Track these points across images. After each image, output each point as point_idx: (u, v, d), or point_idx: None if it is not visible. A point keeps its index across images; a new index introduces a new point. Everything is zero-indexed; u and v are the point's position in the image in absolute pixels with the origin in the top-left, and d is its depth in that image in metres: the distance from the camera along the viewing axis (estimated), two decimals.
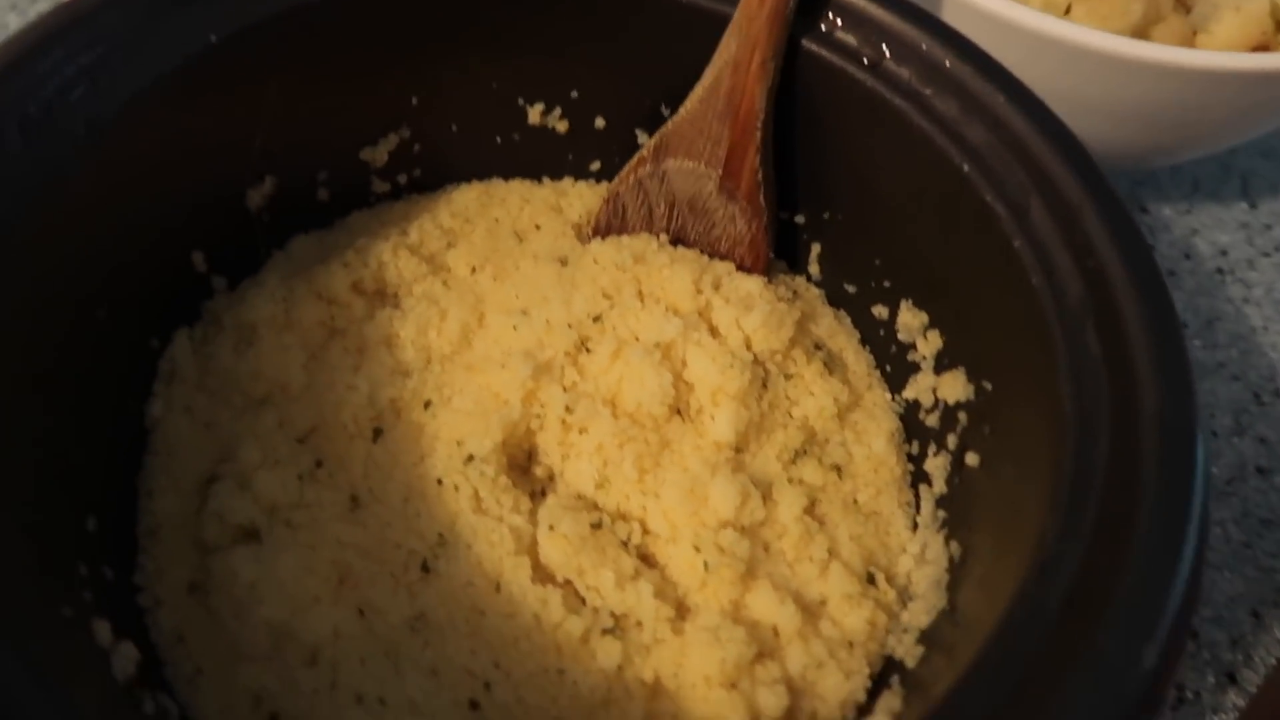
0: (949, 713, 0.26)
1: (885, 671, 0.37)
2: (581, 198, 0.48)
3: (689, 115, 0.43)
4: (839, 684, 0.36)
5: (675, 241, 0.46)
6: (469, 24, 0.42)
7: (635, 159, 0.45)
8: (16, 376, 0.31)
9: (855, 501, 0.42)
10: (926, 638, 0.36)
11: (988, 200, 0.37)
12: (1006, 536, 0.34)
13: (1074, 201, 0.35)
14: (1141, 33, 0.53)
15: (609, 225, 0.47)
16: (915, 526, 0.41)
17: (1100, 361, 0.32)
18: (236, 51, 0.37)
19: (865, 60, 0.40)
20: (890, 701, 0.34)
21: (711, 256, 0.46)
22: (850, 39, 0.41)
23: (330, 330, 0.42)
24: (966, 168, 0.38)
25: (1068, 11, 0.53)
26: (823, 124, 0.43)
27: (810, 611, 0.38)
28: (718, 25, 0.42)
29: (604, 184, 0.49)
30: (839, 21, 0.41)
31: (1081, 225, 0.35)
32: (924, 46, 0.39)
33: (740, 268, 0.46)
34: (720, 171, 0.43)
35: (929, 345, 0.42)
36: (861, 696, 0.37)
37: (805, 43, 0.42)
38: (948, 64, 0.39)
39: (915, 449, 0.43)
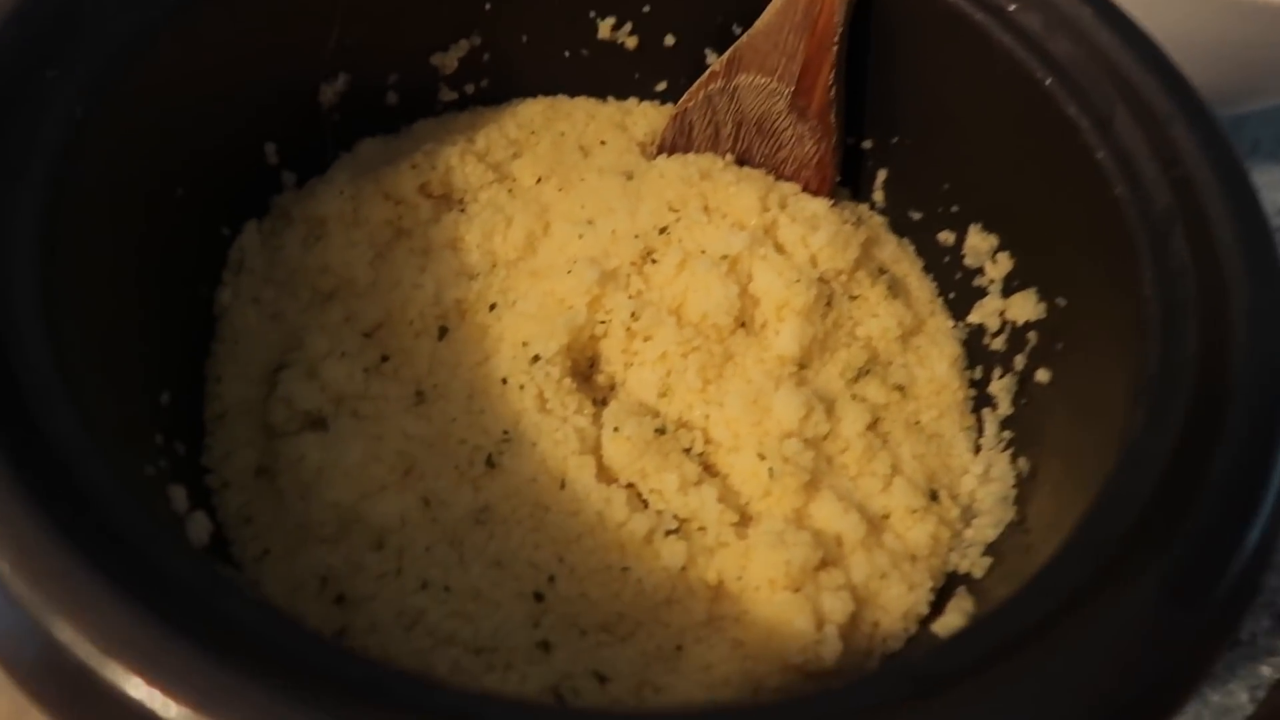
0: (1033, 594, 0.26)
1: (949, 585, 0.37)
2: (646, 117, 0.48)
3: (765, 28, 0.43)
4: (902, 595, 0.36)
5: (740, 163, 0.46)
6: None
7: (705, 75, 0.45)
8: (102, 241, 0.31)
9: (918, 422, 0.41)
10: (994, 549, 0.36)
11: (1069, 113, 0.36)
12: (1081, 445, 0.33)
13: (1161, 112, 0.34)
14: None
15: (674, 144, 0.47)
16: (977, 450, 0.41)
17: (1189, 266, 0.32)
18: None
19: None
20: (962, 603, 0.34)
21: (777, 179, 0.46)
22: None
23: (397, 230, 0.42)
24: (1049, 81, 0.37)
25: None
26: (897, 43, 0.43)
27: (873, 524, 0.38)
28: None
29: (669, 105, 0.49)
30: None
31: (1169, 135, 0.34)
32: None
33: (805, 190, 0.45)
34: (793, 88, 0.43)
35: (998, 268, 0.42)
36: (924, 609, 0.36)
37: None
38: None
39: (978, 374, 0.43)
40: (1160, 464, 0.27)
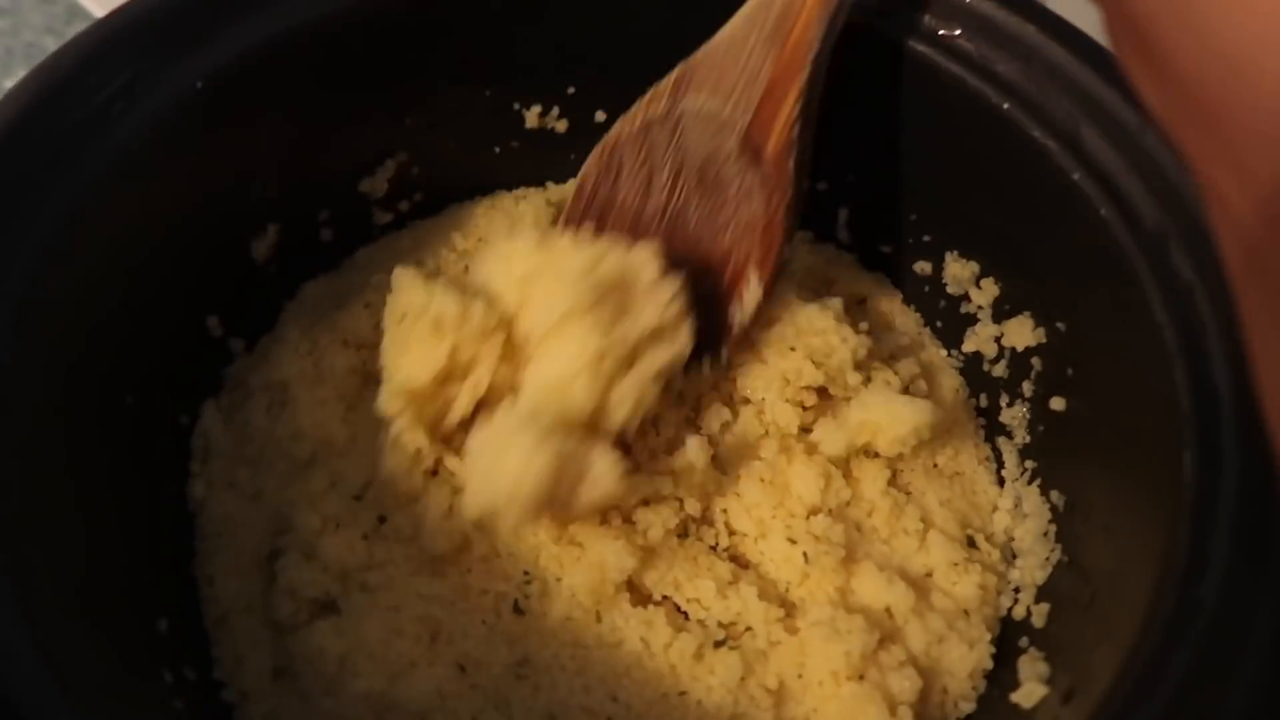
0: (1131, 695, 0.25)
1: (1006, 633, 0.36)
2: None
3: (727, 38, 0.37)
4: (964, 655, 0.35)
5: (671, 226, 0.43)
6: (455, 36, 0.40)
7: (648, 95, 0.39)
8: (59, 484, 0.28)
9: (935, 465, 0.40)
10: (1049, 594, 0.35)
11: (1035, 136, 0.36)
12: (1126, 481, 0.33)
13: (1130, 123, 0.34)
14: None
15: (595, 190, 0.41)
16: (1001, 482, 0.40)
17: (1195, 281, 0.31)
18: (224, 95, 0.34)
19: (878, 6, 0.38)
20: (1035, 667, 0.33)
21: (711, 249, 0.41)
22: None
23: (364, 376, 0.39)
24: (1006, 105, 0.36)
25: None
26: (836, 81, 0.41)
27: (919, 586, 0.36)
28: None
29: None
30: None
31: (1143, 146, 0.33)
32: None
33: (745, 261, 0.40)
34: (749, 117, 0.37)
35: (984, 294, 0.41)
36: (989, 663, 0.35)
37: None
38: (968, 1, 0.37)
39: (984, 402, 0.42)
40: (1230, 514, 0.26)
